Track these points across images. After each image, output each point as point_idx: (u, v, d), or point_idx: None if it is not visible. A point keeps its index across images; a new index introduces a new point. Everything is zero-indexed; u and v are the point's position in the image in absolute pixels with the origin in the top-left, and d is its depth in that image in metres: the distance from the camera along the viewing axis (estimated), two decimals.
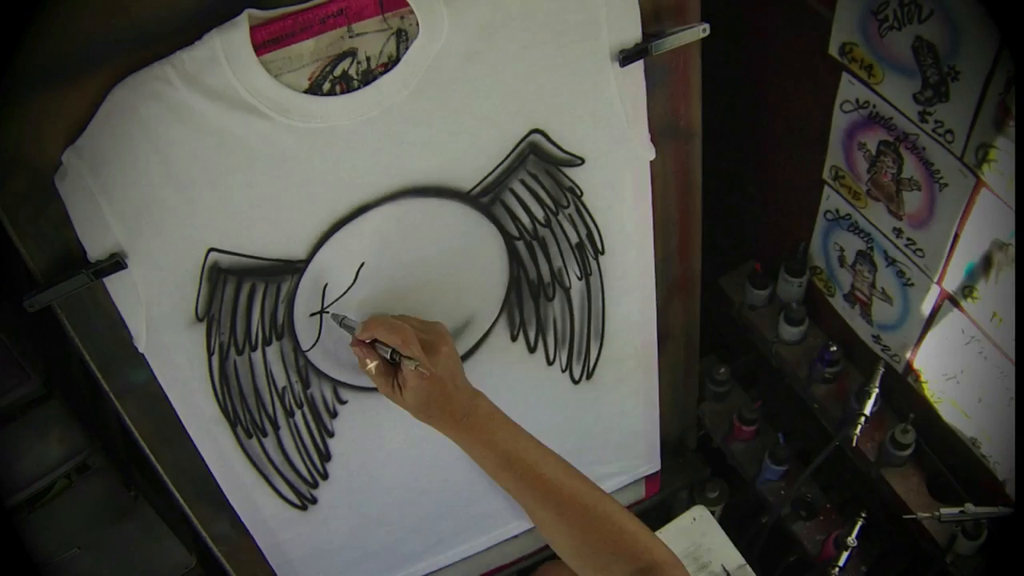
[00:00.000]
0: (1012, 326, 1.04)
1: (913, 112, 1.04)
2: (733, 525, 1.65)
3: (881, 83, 1.07)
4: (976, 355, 1.13)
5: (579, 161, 1.07)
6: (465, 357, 1.19)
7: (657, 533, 1.40)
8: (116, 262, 0.91)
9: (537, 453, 1.01)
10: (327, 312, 1.05)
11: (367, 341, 1.00)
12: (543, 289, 1.16)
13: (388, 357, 0.98)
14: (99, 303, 0.96)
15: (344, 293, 1.05)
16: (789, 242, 1.41)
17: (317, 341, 1.08)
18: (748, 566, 1.39)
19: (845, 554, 1.36)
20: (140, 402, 1.06)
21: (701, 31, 1.01)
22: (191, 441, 1.10)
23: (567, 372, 1.27)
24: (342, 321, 1.05)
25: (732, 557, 1.41)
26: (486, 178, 1.03)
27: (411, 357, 0.97)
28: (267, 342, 1.05)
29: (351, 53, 0.89)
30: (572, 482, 0.99)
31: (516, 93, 0.98)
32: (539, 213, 1.09)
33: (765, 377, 1.62)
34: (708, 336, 1.45)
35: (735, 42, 1.28)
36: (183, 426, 1.08)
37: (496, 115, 0.99)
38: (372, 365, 1.00)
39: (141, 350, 0.99)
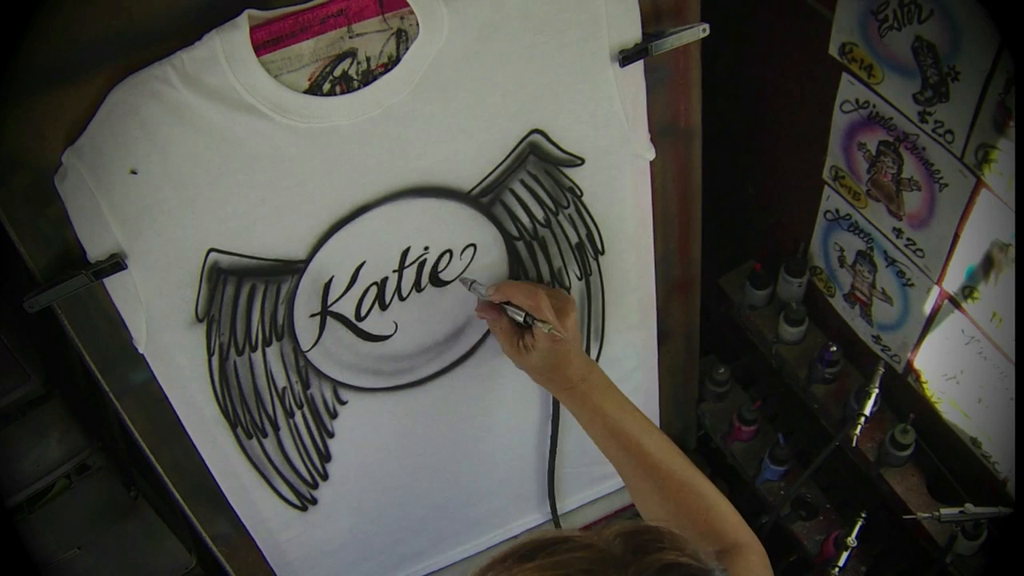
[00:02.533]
0: (1012, 326, 1.04)
1: (913, 112, 1.04)
2: None
3: (881, 83, 1.07)
4: (976, 355, 1.13)
5: (579, 161, 1.07)
6: (465, 357, 1.19)
7: None
8: (116, 263, 0.91)
9: (643, 426, 1.06)
10: (467, 280, 1.09)
11: (498, 304, 1.05)
12: None
13: (522, 320, 1.03)
14: (99, 303, 0.96)
15: (344, 293, 1.05)
16: (789, 242, 1.41)
17: (317, 341, 1.08)
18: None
19: (845, 554, 1.36)
20: (140, 402, 1.06)
21: (701, 31, 1.01)
22: (191, 441, 1.10)
23: None
24: (472, 285, 1.08)
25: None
26: (486, 178, 1.03)
27: (545, 321, 1.01)
28: (267, 342, 1.05)
29: (351, 53, 0.89)
30: (672, 457, 1.03)
31: (516, 93, 0.98)
32: (539, 213, 1.09)
33: (765, 377, 1.62)
34: (708, 336, 1.45)
35: (735, 42, 1.28)
36: (183, 426, 1.08)
37: (496, 115, 0.99)
38: (499, 326, 1.06)
39: (141, 350, 0.99)
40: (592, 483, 1.48)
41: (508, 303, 1.05)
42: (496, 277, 1.12)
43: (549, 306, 1.04)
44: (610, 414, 1.06)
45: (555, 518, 1.42)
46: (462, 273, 1.10)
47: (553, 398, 1.23)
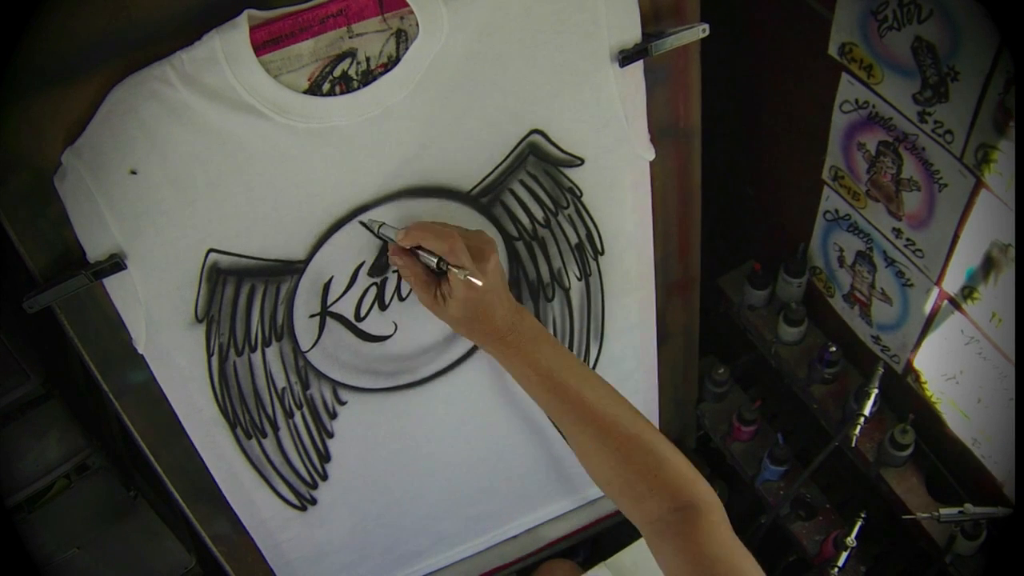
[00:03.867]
0: (1012, 327, 1.04)
1: (913, 112, 1.04)
2: (733, 525, 1.65)
3: (881, 83, 1.07)
4: (975, 355, 1.13)
5: (579, 161, 1.07)
6: (464, 357, 1.19)
7: None
8: (116, 263, 0.91)
9: (581, 375, 0.97)
10: (375, 222, 1.00)
11: (409, 248, 0.96)
12: (543, 290, 1.16)
13: (434, 266, 0.93)
14: (99, 304, 0.96)
15: (344, 293, 1.05)
16: (789, 242, 1.41)
17: (317, 342, 1.08)
18: None
19: (844, 554, 1.36)
20: (140, 402, 1.06)
21: (701, 31, 1.01)
22: (190, 441, 1.10)
23: None
24: (380, 228, 0.99)
25: None
26: (486, 178, 1.03)
27: (461, 266, 0.91)
28: (267, 343, 1.05)
29: (351, 53, 0.89)
30: (615, 408, 0.95)
31: (516, 94, 0.98)
32: (539, 214, 1.09)
33: (764, 377, 1.62)
34: (708, 336, 1.45)
35: (735, 42, 1.28)
36: (183, 426, 1.08)
37: (496, 116, 0.99)
38: (412, 274, 0.95)
39: (140, 351, 0.99)
40: (580, 488, 1.48)
41: (419, 248, 0.95)
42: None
43: (464, 249, 0.92)
44: (544, 364, 0.96)
45: None
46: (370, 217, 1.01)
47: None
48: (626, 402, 0.97)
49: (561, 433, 0.98)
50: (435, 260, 0.93)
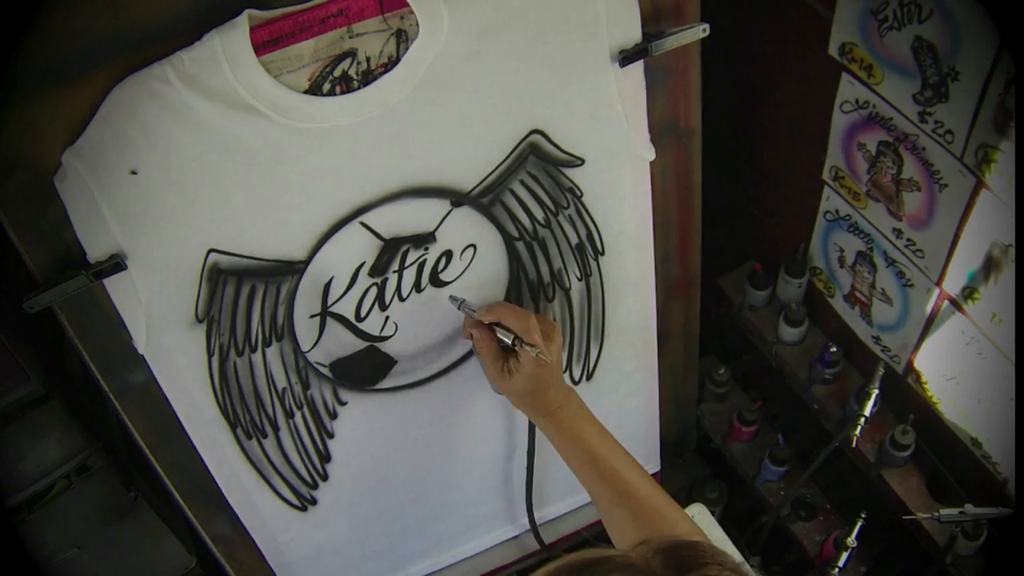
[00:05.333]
0: (1012, 327, 1.04)
1: (913, 112, 1.04)
2: (733, 525, 1.64)
3: (881, 83, 1.07)
4: (976, 356, 1.13)
5: (579, 162, 1.07)
6: (465, 358, 1.19)
7: None
8: (116, 263, 0.91)
9: (618, 452, 1.07)
10: (457, 299, 1.09)
11: (487, 324, 1.05)
12: (543, 290, 1.16)
13: (510, 343, 1.02)
14: (99, 304, 0.96)
15: (344, 294, 1.05)
16: (789, 242, 1.40)
17: (317, 342, 1.08)
18: (746, 563, 1.39)
19: (845, 554, 1.36)
20: (140, 403, 1.05)
21: (701, 31, 1.01)
22: (191, 442, 1.10)
23: (567, 373, 1.27)
24: (461, 304, 1.09)
25: (730, 553, 1.41)
26: (486, 179, 1.03)
27: (533, 344, 1.01)
28: (267, 343, 1.05)
29: (351, 53, 0.89)
30: (646, 485, 1.04)
31: (516, 93, 0.98)
32: (539, 214, 1.09)
33: (765, 377, 1.62)
34: (708, 336, 1.45)
35: (735, 42, 1.28)
36: (183, 427, 1.08)
37: (496, 115, 0.99)
38: (487, 347, 1.05)
39: (141, 351, 0.99)
40: (575, 492, 1.48)
41: (498, 324, 1.04)
42: (496, 278, 1.12)
43: (538, 329, 1.03)
44: (587, 440, 1.07)
45: (534, 529, 1.41)
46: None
47: (529, 422, 1.22)
48: (654, 481, 1.06)
49: (597, 507, 1.07)
50: (511, 337, 1.02)
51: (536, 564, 1.50)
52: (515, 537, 1.49)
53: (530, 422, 1.21)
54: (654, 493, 1.04)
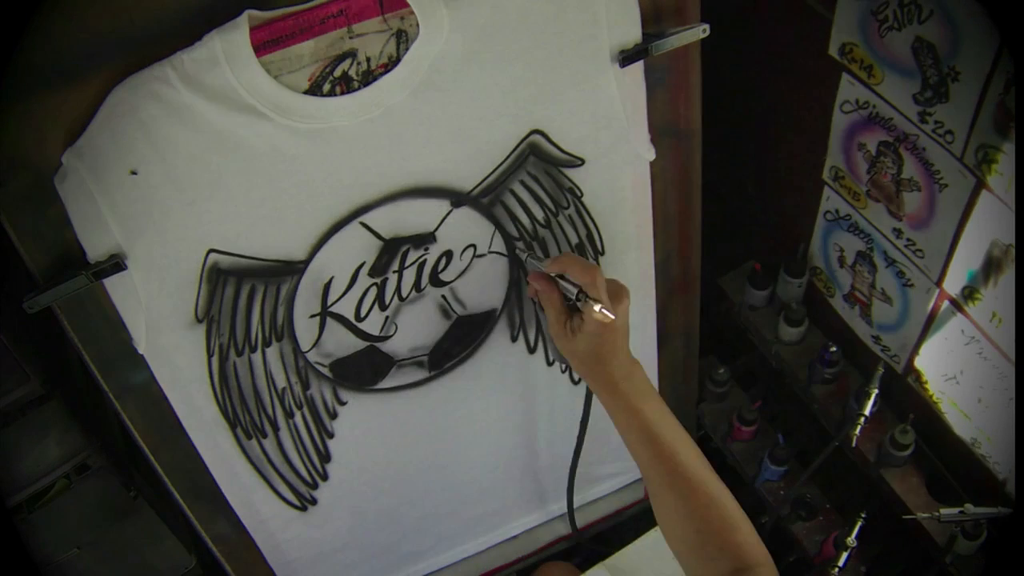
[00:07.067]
0: (1012, 326, 1.04)
1: (913, 113, 1.04)
2: None
3: (881, 84, 1.07)
4: (976, 355, 1.13)
5: (579, 162, 1.07)
6: (465, 358, 1.19)
7: (648, 532, 1.41)
8: (116, 263, 0.91)
9: (678, 435, 1.00)
10: (523, 250, 1.06)
11: (553, 275, 0.99)
12: None
13: (575, 296, 0.96)
14: (99, 304, 0.96)
15: (344, 294, 1.05)
16: (789, 242, 1.41)
17: (317, 342, 1.08)
18: None
19: (845, 554, 1.36)
20: (140, 402, 1.06)
21: (701, 31, 1.01)
22: (191, 442, 1.10)
23: (567, 372, 1.27)
24: (528, 256, 1.05)
25: None
26: (486, 179, 1.03)
27: (598, 300, 0.95)
28: (267, 343, 1.05)
29: (351, 54, 0.89)
30: (703, 472, 0.99)
31: (516, 94, 0.98)
32: (539, 214, 1.09)
33: (765, 377, 1.62)
34: (708, 336, 1.45)
35: (735, 42, 1.28)
36: (183, 427, 1.08)
37: (496, 116, 0.99)
38: (550, 300, 0.99)
39: (141, 351, 0.99)
40: (593, 483, 1.48)
41: (562, 276, 0.98)
42: (496, 278, 1.12)
43: (604, 285, 0.97)
44: (649, 418, 1.00)
45: (571, 516, 1.41)
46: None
47: (587, 393, 1.16)
48: (710, 466, 1.01)
49: (647, 488, 1.03)
50: (575, 291, 0.96)
51: (534, 564, 1.50)
52: (514, 537, 1.49)
53: (587, 391, 1.15)
54: (709, 480, 0.98)
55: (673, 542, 0.99)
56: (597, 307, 0.94)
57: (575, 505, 1.42)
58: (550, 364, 1.24)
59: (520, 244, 1.07)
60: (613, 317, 0.95)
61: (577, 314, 0.99)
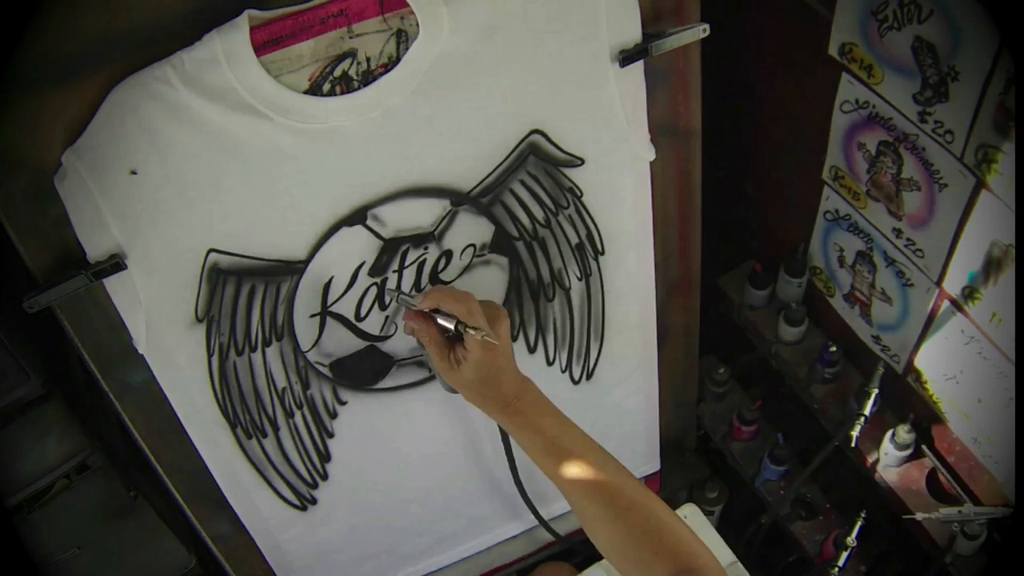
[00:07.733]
0: (1012, 326, 1.04)
1: (913, 112, 1.04)
2: (733, 525, 1.65)
3: (881, 83, 1.07)
4: (976, 355, 1.13)
5: (579, 162, 1.07)
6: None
7: None
8: (116, 263, 0.91)
9: (584, 443, 0.98)
10: (393, 291, 1.05)
11: (427, 311, 0.98)
12: (543, 290, 1.16)
13: (453, 328, 0.95)
14: (99, 304, 0.96)
15: (344, 293, 1.05)
16: (789, 242, 1.41)
17: (317, 342, 1.08)
18: (739, 563, 1.39)
19: (844, 554, 1.36)
20: (140, 402, 1.06)
21: (701, 31, 1.01)
22: (191, 441, 1.10)
23: (567, 372, 1.27)
24: (398, 296, 1.04)
25: (723, 555, 1.41)
26: (486, 178, 1.03)
27: (477, 327, 0.94)
28: (267, 343, 1.05)
29: (351, 54, 0.89)
30: (619, 477, 0.96)
31: (516, 94, 0.98)
32: (539, 214, 1.09)
33: (765, 377, 1.62)
34: (708, 336, 1.45)
35: (735, 42, 1.28)
36: (183, 426, 1.08)
37: (496, 116, 0.99)
38: (428, 336, 0.98)
39: (141, 351, 0.99)
40: (559, 497, 1.47)
41: (437, 310, 0.97)
42: (496, 277, 1.12)
43: (480, 311, 0.96)
44: (548, 430, 0.98)
45: (547, 527, 1.40)
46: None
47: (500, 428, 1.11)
48: (626, 470, 0.98)
49: (568, 502, 0.99)
50: (453, 323, 0.96)
51: (533, 564, 1.50)
52: (514, 537, 1.49)
53: (503, 433, 1.13)
54: (628, 483, 0.95)
55: (606, 552, 0.96)
56: (479, 335, 0.94)
57: (558, 513, 1.42)
58: (550, 364, 1.24)
59: (390, 286, 1.05)
60: (497, 343, 0.95)
61: (459, 344, 0.98)
